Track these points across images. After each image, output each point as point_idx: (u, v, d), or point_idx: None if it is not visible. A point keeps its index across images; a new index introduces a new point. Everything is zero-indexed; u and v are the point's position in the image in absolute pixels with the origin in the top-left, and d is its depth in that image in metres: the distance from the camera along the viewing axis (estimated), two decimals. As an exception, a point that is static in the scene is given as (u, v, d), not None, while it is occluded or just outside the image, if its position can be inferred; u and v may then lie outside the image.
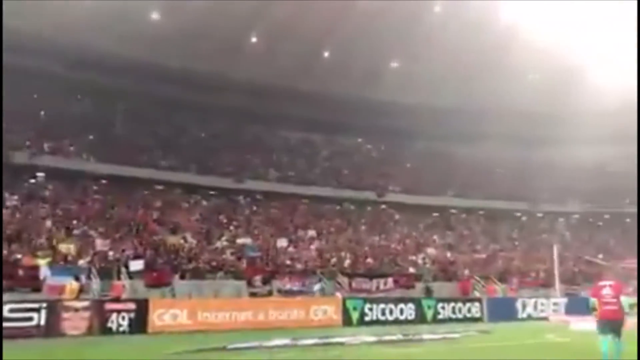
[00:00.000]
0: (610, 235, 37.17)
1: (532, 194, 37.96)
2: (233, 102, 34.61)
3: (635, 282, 25.54)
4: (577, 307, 21.47)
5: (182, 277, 19.65)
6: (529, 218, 38.34)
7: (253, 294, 19.13)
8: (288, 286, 20.42)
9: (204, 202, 29.24)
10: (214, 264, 21.28)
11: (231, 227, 26.28)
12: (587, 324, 16.72)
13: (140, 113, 33.59)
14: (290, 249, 24.92)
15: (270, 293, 19.51)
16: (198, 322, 15.40)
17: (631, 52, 30.84)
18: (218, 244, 23.61)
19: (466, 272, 26.23)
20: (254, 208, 29.90)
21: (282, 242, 25.21)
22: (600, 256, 31.34)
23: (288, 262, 23.28)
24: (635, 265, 23.56)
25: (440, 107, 37.78)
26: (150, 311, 14.97)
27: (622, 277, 26.03)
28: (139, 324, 14.67)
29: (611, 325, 8.62)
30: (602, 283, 9.16)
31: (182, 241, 22.83)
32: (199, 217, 26.66)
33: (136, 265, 18.70)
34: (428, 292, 22.11)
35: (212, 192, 30.24)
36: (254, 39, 31.93)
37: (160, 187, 28.67)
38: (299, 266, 23.03)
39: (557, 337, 14.16)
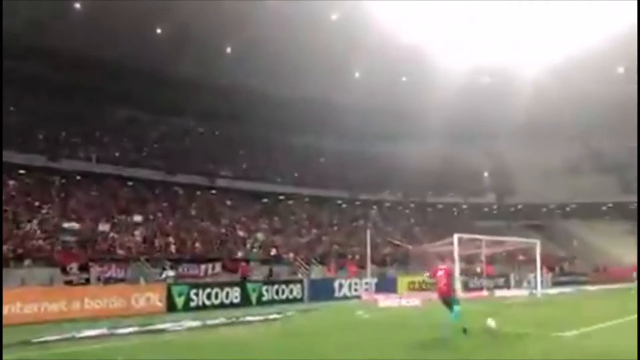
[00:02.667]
0: (415, 222, 42.20)
1: (351, 183, 41.28)
2: (48, 75, 31.29)
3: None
4: (386, 286, 24.30)
5: (-18, 266, 17.52)
6: (348, 205, 41.68)
7: (68, 282, 17.89)
8: (109, 273, 19.49)
9: (11, 182, 26.10)
10: (20, 251, 19.31)
11: (43, 210, 23.97)
12: (392, 301, 19.11)
13: None
14: (113, 234, 23.68)
15: (88, 281, 18.43)
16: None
17: (458, 53, 34.44)
18: (28, 227, 21.41)
19: (291, 255, 27.74)
20: (71, 190, 27.60)
21: (103, 227, 23.82)
22: (405, 240, 35.41)
23: (109, 248, 22.13)
24: (436, 249, 27.10)
25: (275, 96, 38.86)
26: None
27: (422, 259, 30.04)
28: None
29: (444, 300, 10.98)
30: (439, 267, 11.41)
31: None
32: (6, 199, 23.77)
33: None
34: (270, 274, 23.53)
35: (21, 172, 27.13)
36: (77, 5, 29.28)
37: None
38: (121, 252, 22.04)
39: (365, 313, 15.85)
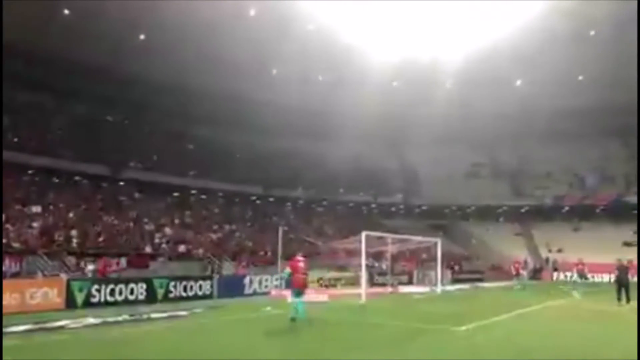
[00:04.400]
0: (326, 219, 43.12)
1: (265, 179, 41.37)
2: None
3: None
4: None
5: None
6: (261, 201, 41.72)
7: (-48, 278, 16.48)
8: (3, 268, 18.17)
9: None
10: None
11: None
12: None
13: None
14: (8, 226, 22.03)
15: (-25, 276, 17.07)
16: None
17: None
18: None
19: (201, 250, 27.36)
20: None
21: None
22: (316, 237, 36.17)
23: (4, 240, 20.58)
24: (345, 246, 27.93)
25: (190, 89, 38.01)
26: None
27: (332, 254, 30.85)
28: None
29: (301, 289, 12.51)
30: (298, 258, 12.88)
31: None
32: None
33: None
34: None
35: None
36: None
37: None
38: (16, 245, 20.60)
39: (274, 309, 16.08)
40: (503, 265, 38.97)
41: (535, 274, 40.19)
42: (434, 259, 27.73)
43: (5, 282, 16.57)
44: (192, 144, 41.33)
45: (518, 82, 41.98)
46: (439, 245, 26.36)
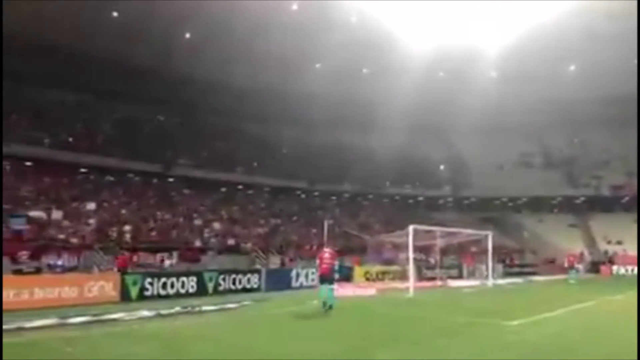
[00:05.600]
0: (372, 213, 42.84)
1: (310, 174, 41.47)
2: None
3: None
4: (341, 275, 24.62)
5: None
6: (307, 196, 41.90)
7: (17, 272, 17.36)
8: (60, 262, 19.03)
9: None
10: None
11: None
12: (346, 290, 19.44)
13: None
14: (66, 222, 23.07)
15: (39, 270, 17.93)
16: (-57, 306, 13.35)
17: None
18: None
19: (248, 244, 27.75)
20: (22, 176, 26.68)
21: (56, 215, 23.17)
22: (362, 231, 35.95)
23: (62, 236, 21.57)
24: (392, 239, 27.61)
25: (236, 85, 38.45)
26: None
27: (379, 248, 30.58)
28: None
29: (326, 277, 13.76)
30: (325, 250, 14.53)
31: None
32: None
33: None
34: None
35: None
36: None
37: None
38: (74, 241, 21.53)
39: (320, 302, 16.06)
40: (557, 259, 37.56)
41: (593, 267, 38.57)
42: (484, 252, 27.06)
43: (64, 276, 17.38)
44: (238, 140, 41.92)
45: (572, 67, 40.16)
46: (489, 238, 25.69)
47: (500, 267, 33.52)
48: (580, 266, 30.60)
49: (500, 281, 28.54)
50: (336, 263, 14.82)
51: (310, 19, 32.20)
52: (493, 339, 9.95)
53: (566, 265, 29.12)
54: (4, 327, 10.71)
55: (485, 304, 16.95)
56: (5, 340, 9.41)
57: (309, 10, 31.74)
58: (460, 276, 30.61)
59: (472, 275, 30.89)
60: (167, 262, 21.67)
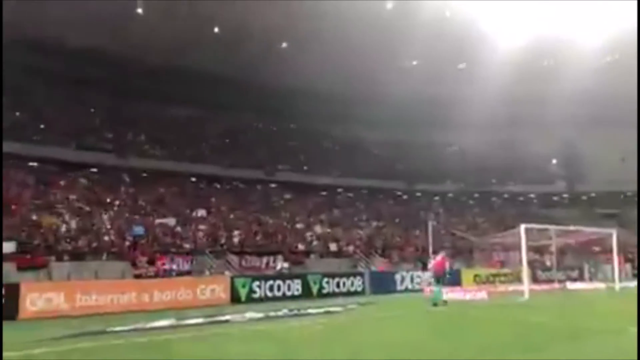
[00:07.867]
0: (479, 213, 40.88)
1: (407, 174, 40.50)
2: (113, 77, 32.64)
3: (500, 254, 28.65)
4: (449, 279, 23.60)
5: (59, 259, 18.58)
6: (407, 196, 40.95)
7: (138, 276, 18.61)
8: (175, 266, 20.14)
9: (83, 180, 27.55)
10: (94, 244, 20.32)
11: (115, 207, 25.14)
12: (456, 295, 18.54)
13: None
14: (178, 228, 24.45)
15: (156, 274, 19.10)
16: (76, 307, 14.57)
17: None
18: (100, 224, 22.50)
19: (351, 247, 27.60)
20: (139, 186, 28.79)
21: (170, 222, 24.64)
22: (469, 232, 34.40)
23: (176, 241, 22.87)
24: (501, 240, 26.11)
25: (325, 91, 38.45)
26: (21, 296, 13.99)
27: (488, 250, 29.04)
28: (9, 310, 13.36)
29: (438, 278, 16.05)
30: (437, 255, 16.89)
31: (58, 221, 21.46)
32: (79, 196, 25.13)
33: (7, 247, 17.41)
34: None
35: (93, 170, 28.59)
36: (139, 11, 30.14)
37: (33, 164, 26.59)
38: (187, 246, 22.72)
39: (427, 306, 15.42)
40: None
41: None
42: (608, 252, 24.62)
43: (179, 279, 18.38)
44: (336, 144, 42.05)
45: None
46: (614, 236, 23.27)
47: (628, 267, 30.37)
48: None
49: (629, 283, 25.73)
50: (447, 264, 16.68)
51: (404, 18, 31.51)
52: (616, 348, 8.78)
53: None
54: (127, 327, 11.43)
55: (611, 308, 15.28)
56: (129, 339, 10.00)
57: (402, 8, 31.09)
58: (581, 278, 28.15)
59: (594, 277, 28.29)
60: (279, 265, 22.14)
